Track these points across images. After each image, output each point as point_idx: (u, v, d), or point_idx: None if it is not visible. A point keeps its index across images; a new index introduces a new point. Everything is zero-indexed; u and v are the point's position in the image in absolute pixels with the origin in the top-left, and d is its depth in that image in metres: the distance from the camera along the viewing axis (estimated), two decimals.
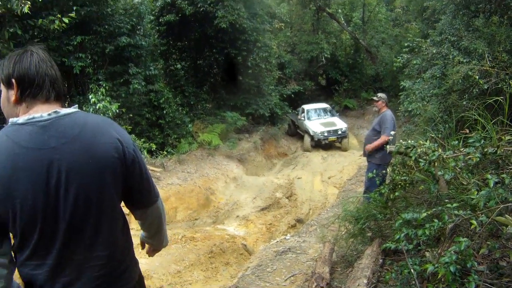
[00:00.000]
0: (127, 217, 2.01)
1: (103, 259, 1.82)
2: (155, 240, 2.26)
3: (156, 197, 2.04)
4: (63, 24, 9.39)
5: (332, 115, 19.99)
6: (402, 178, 4.52)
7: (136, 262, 2.10)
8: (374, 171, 5.51)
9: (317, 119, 19.29)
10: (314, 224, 7.88)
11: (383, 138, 6.72)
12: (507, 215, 1.99)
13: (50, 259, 1.72)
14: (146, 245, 2.33)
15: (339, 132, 18.14)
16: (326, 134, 18.03)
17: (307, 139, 18.58)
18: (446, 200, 4.11)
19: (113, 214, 1.86)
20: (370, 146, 6.94)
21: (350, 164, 14.92)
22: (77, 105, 1.88)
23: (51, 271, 1.72)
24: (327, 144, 18.18)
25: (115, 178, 1.80)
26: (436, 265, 2.74)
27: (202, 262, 7.01)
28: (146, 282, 5.98)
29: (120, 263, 1.93)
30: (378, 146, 6.77)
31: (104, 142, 1.76)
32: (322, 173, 14.30)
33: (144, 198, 2.00)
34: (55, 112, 1.75)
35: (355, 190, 10.21)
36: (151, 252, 2.36)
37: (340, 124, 18.65)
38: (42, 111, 1.75)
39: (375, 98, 7.30)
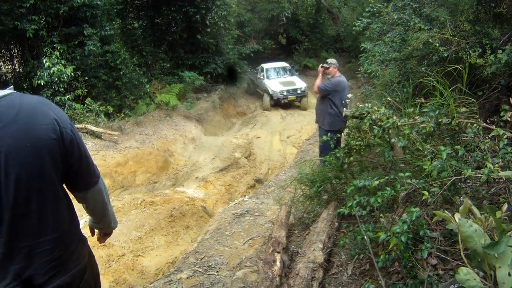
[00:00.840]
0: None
1: (52, 242, 1.81)
2: (103, 224, 2.25)
3: (97, 177, 2.02)
4: None
5: (292, 74, 19.93)
6: (357, 143, 4.56)
7: (84, 241, 2.08)
8: (329, 134, 5.53)
9: (277, 78, 19.24)
10: (272, 185, 7.97)
11: (316, 85, 6.96)
12: (446, 211, 2.08)
13: None
14: (96, 231, 2.32)
15: (299, 92, 18.13)
16: (285, 93, 18.01)
17: (266, 98, 18.51)
18: (402, 165, 4.22)
19: (56, 197, 1.83)
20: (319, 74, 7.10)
21: (309, 123, 15.05)
22: (12, 86, 1.81)
23: (1, 260, 1.71)
24: (286, 103, 18.19)
25: (55, 160, 1.76)
26: (388, 234, 2.78)
27: (162, 227, 7.03)
28: (108, 251, 6.07)
29: (69, 245, 1.92)
30: (320, 79, 7.00)
31: (41, 124, 1.72)
32: (281, 132, 14.42)
33: (84, 179, 1.97)
34: None
35: (313, 150, 10.34)
36: (102, 238, 2.36)
37: (299, 83, 18.65)
38: None
39: (325, 65, 7.04)
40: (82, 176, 1.95)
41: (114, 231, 2.38)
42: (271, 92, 18.19)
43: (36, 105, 1.77)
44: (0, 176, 1.64)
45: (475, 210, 1.97)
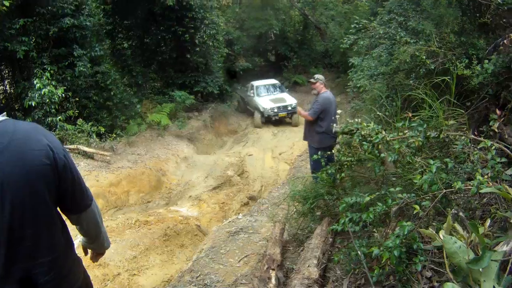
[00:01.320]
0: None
1: (48, 264, 1.86)
2: (96, 244, 2.28)
3: (90, 200, 2.06)
4: (4, 7, 9.04)
5: (282, 91, 20.01)
6: (348, 158, 4.61)
7: (79, 261, 2.13)
8: (319, 152, 5.56)
9: (267, 95, 19.26)
10: (266, 202, 8.00)
11: (307, 116, 6.95)
12: (431, 227, 2.13)
13: None
14: (89, 251, 2.35)
15: (289, 108, 18.14)
16: (276, 110, 18.02)
17: (257, 115, 18.52)
18: (393, 179, 4.26)
19: (51, 220, 1.88)
20: (299, 110, 7.36)
21: (301, 139, 14.94)
22: (5, 112, 1.85)
23: None
24: (277, 120, 18.23)
25: (48, 185, 1.80)
26: (381, 249, 2.83)
27: (157, 246, 7.03)
28: (103, 271, 6.06)
29: (64, 266, 1.97)
30: (301, 115, 7.20)
31: (35, 149, 1.76)
32: (273, 149, 14.45)
33: (77, 202, 2.01)
34: None
35: (305, 167, 10.39)
36: (95, 258, 2.39)
37: (289, 100, 18.71)
38: None
39: (312, 80, 7.10)
40: (76, 199, 1.99)
41: (108, 250, 2.43)
42: (262, 110, 18.22)
43: (30, 131, 1.82)
44: None
45: (458, 227, 2.03)
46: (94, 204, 2.10)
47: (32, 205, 1.77)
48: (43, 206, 1.82)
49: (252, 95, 19.50)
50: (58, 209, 1.97)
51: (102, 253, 2.41)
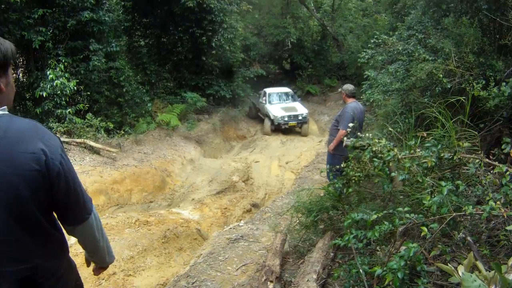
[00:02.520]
0: None
1: (33, 270, 1.77)
2: (96, 258, 2.19)
3: (87, 213, 1.93)
4: None
5: (294, 100, 19.94)
6: (356, 174, 4.49)
7: (72, 268, 2.06)
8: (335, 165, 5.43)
9: (278, 103, 19.23)
10: (269, 211, 7.91)
11: (339, 133, 6.73)
12: (450, 264, 2.03)
13: None
14: (92, 263, 2.26)
15: (300, 118, 18.08)
16: (286, 118, 17.97)
17: (267, 122, 18.53)
18: (401, 197, 4.19)
19: (37, 226, 1.76)
20: (331, 146, 6.98)
21: (309, 150, 15.06)
22: (6, 107, 1.75)
23: None
24: (287, 128, 18.17)
25: (35, 192, 1.68)
26: (384, 269, 2.76)
27: (155, 248, 6.95)
28: None
29: (54, 272, 1.88)
30: (338, 141, 6.74)
31: (24, 152, 1.64)
32: (280, 157, 14.39)
33: (71, 215, 1.89)
34: None
35: (311, 178, 10.31)
36: (96, 270, 2.29)
37: (301, 109, 18.63)
38: None
39: (339, 89, 7.19)
40: (70, 211, 1.88)
41: None
42: (272, 117, 18.20)
43: (25, 131, 1.70)
44: None
45: (480, 266, 1.91)
46: (93, 218, 1.97)
47: (15, 210, 1.66)
48: (27, 212, 1.69)
49: (264, 102, 19.51)
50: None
51: (105, 268, 2.30)
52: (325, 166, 7.03)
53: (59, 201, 1.79)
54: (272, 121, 18.24)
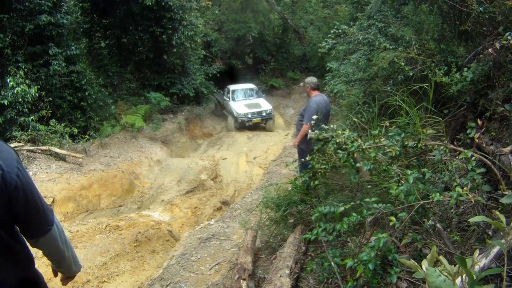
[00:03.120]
0: None
1: None
2: (63, 268, 2.18)
3: (50, 225, 1.91)
4: None
5: (258, 96, 19.89)
6: (322, 166, 4.53)
7: (39, 281, 2.07)
8: (307, 157, 5.46)
9: (243, 100, 19.15)
10: (238, 208, 7.98)
11: (303, 128, 6.72)
12: (412, 260, 2.07)
13: None
14: (59, 273, 2.27)
15: (264, 114, 18.13)
16: (249, 115, 17.96)
17: (230, 120, 18.54)
18: (368, 187, 4.23)
19: None
20: (295, 142, 7.01)
21: (275, 144, 15.15)
22: None
23: None
24: (251, 125, 18.13)
25: None
26: (355, 261, 2.80)
27: (128, 252, 6.96)
28: None
29: (18, 285, 1.88)
30: (302, 136, 6.74)
31: None
32: (247, 153, 14.43)
33: (33, 228, 1.87)
34: None
35: (279, 172, 10.41)
36: (64, 280, 2.29)
37: (265, 105, 18.65)
38: None
39: (301, 83, 7.19)
40: (31, 224, 1.86)
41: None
42: (235, 115, 18.18)
43: None
44: None
45: (443, 260, 1.97)
46: (56, 229, 1.95)
47: None
48: None
49: (227, 99, 19.42)
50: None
51: (72, 277, 2.30)
52: (291, 160, 7.04)
53: (19, 214, 1.76)
54: (235, 118, 18.19)
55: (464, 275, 1.87)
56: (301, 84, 7.52)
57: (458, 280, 1.87)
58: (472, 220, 2.15)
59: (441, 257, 2.02)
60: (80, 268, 2.28)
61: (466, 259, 1.86)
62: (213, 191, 10.81)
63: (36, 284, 2.04)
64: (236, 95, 19.49)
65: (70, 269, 2.21)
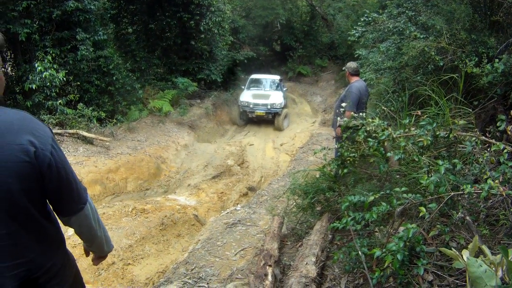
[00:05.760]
0: None
1: (27, 265, 1.74)
2: (94, 247, 2.17)
3: (82, 204, 1.90)
4: None
5: (277, 89, 18.25)
6: (351, 154, 4.46)
7: (69, 261, 2.04)
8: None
9: (255, 90, 18.13)
10: (265, 194, 7.93)
11: (346, 115, 6.39)
12: (453, 248, 1.95)
13: None
14: (91, 253, 2.25)
15: (269, 107, 16.48)
16: (252, 105, 16.68)
17: (236, 111, 17.66)
18: (397, 176, 4.16)
19: (30, 220, 1.73)
20: (338, 130, 6.83)
21: (303, 131, 15.07)
22: None
23: None
24: (254, 118, 17.04)
25: (26, 183, 1.65)
26: (383, 251, 2.74)
27: (153, 235, 6.93)
28: None
29: (49, 268, 1.85)
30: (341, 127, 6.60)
31: (12, 144, 1.61)
32: (274, 140, 14.39)
33: (66, 206, 1.87)
34: None
35: (306, 159, 10.34)
36: (96, 260, 2.28)
37: (275, 99, 16.94)
38: None
39: (343, 68, 7.08)
40: (64, 202, 1.85)
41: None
42: (238, 103, 17.29)
43: (14, 122, 1.67)
44: None
45: (486, 250, 1.85)
46: (89, 208, 1.94)
47: (6, 203, 1.63)
48: (19, 205, 1.66)
49: (243, 87, 18.83)
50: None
51: (104, 257, 2.29)
52: (318, 147, 6.93)
53: (52, 192, 1.78)
54: (238, 107, 17.21)
55: (504, 266, 1.80)
56: (343, 68, 7.41)
57: (499, 272, 1.80)
58: None
59: (484, 247, 1.93)
60: (112, 248, 2.26)
61: (509, 250, 1.79)
62: (239, 176, 10.77)
63: (64, 266, 1.99)
64: (253, 84, 18.60)
65: (102, 249, 2.19)
